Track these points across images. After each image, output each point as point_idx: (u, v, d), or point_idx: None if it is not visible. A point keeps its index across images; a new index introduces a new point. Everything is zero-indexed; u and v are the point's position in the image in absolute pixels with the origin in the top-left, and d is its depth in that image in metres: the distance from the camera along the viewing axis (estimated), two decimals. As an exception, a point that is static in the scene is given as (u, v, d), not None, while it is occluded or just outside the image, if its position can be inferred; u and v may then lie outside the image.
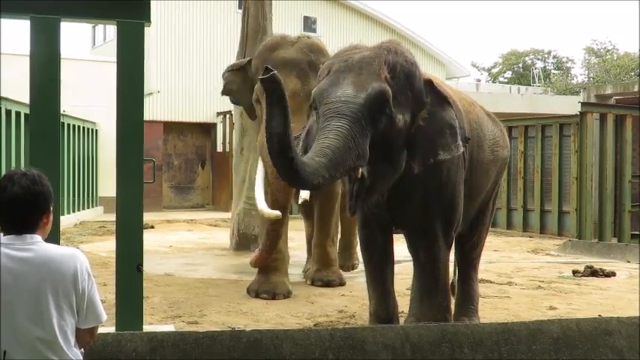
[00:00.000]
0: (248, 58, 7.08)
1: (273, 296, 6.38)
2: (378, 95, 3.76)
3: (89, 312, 2.32)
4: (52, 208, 2.34)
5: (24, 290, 2.20)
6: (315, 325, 5.28)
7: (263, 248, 6.02)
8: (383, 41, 4.16)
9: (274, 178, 5.78)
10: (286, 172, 3.47)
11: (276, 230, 5.93)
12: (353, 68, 3.88)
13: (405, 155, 4.01)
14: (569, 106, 16.92)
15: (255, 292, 6.49)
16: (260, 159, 6.29)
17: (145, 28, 4.03)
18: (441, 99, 4.12)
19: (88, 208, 16.17)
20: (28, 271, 2.21)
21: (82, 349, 2.37)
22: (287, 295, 6.48)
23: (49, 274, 2.23)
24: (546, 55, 40.55)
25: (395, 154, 3.95)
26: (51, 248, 2.29)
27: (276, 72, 3.20)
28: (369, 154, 3.76)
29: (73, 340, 2.29)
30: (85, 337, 2.36)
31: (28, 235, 2.27)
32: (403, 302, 4.97)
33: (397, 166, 4.00)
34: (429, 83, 4.11)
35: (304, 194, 5.93)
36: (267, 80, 3.19)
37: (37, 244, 2.26)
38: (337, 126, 3.66)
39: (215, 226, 14.51)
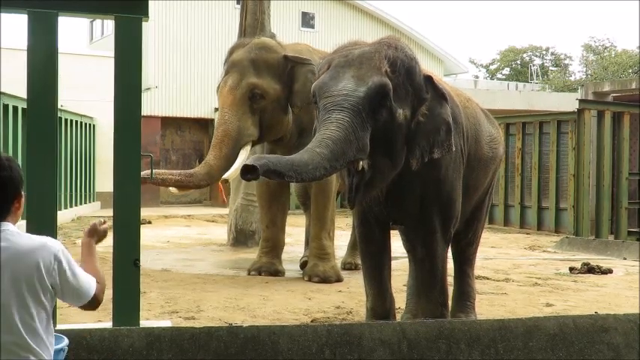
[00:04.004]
0: None
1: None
2: (378, 88, 3.77)
3: (74, 298, 2.23)
4: (23, 192, 2.21)
5: None
6: (312, 321, 5.28)
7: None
8: (383, 37, 4.17)
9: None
10: (290, 178, 3.55)
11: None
12: (353, 63, 3.89)
13: (405, 151, 4.01)
14: (567, 103, 16.97)
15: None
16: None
17: (143, 23, 4.02)
18: (438, 95, 4.12)
19: (86, 203, 16.16)
20: None
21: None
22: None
23: (11, 269, 2.08)
24: (544, 52, 40.54)
25: (395, 149, 3.94)
26: (18, 239, 2.13)
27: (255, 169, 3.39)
28: (370, 148, 3.77)
29: (48, 330, 2.16)
30: (85, 308, 2.29)
31: None
32: (400, 298, 4.97)
33: (397, 162, 4.00)
34: (429, 79, 4.11)
35: (227, 175, 6.36)
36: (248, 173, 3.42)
37: (4, 232, 2.12)
38: (338, 118, 3.68)
39: (212, 221, 14.51)
